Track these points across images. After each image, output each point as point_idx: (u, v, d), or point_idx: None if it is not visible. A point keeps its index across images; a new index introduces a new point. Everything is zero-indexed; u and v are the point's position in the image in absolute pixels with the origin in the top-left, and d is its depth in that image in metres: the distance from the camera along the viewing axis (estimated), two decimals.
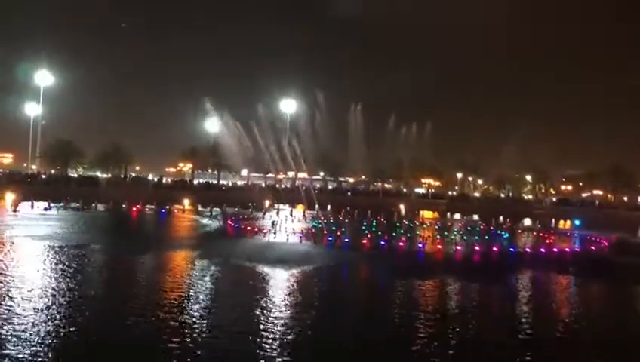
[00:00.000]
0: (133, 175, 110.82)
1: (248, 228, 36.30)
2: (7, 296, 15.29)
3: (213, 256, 23.77)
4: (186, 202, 60.52)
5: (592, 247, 34.58)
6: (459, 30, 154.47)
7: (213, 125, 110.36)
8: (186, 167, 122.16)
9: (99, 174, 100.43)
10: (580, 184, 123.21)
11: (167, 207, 54.96)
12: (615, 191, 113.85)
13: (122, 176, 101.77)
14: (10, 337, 11.78)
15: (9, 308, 14.07)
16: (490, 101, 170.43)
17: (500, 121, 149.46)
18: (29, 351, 11.02)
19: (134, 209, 52.89)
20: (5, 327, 12.41)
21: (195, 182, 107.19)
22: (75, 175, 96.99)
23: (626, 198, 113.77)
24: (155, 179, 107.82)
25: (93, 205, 53.18)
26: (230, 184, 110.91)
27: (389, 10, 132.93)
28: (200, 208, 56.97)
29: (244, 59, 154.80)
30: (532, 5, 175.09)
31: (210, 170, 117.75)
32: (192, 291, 17.23)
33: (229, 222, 41.24)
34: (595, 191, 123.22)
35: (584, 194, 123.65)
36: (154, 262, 23.06)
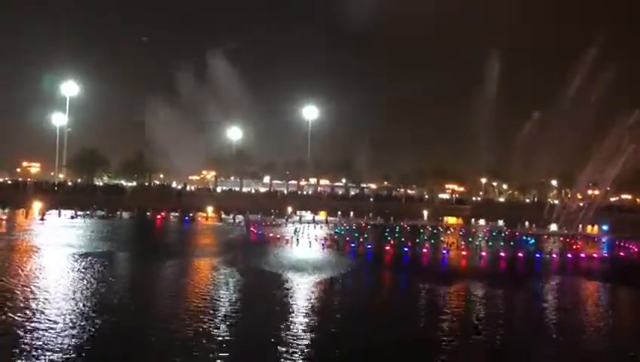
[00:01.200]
0: (158, 183, 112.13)
1: (271, 234, 36.46)
2: (35, 302, 15.51)
3: (236, 263, 23.86)
4: (210, 209, 61.05)
5: (621, 253, 33.88)
6: (459, 30, 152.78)
7: (235, 133, 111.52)
8: (209, 174, 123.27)
9: (123, 183, 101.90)
10: (608, 189, 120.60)
11: (191, 214, 55.52)
12: None
13: (147, 184, 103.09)
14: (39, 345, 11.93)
15: (43, 316, 14.26)
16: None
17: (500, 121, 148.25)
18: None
19: (159, 217, 53.51)
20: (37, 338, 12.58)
21: (219, 189, 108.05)
22: (101, 183, 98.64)
23: None
24: (179, 187, 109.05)
25: (119, 213, 53.99)
26: (253, 191, 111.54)
27: (389, 10, 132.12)
28: (223, 215, 57.38)
29: (245, 61, 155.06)
30: (532, 5, 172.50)
31: (233, 178, 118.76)
32: (219, 298, 17.25)
33: (252, 229, 41.46)
34: (624, 196, 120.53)
35: (612, 199, 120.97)
36: (179, 269, 23.17)
